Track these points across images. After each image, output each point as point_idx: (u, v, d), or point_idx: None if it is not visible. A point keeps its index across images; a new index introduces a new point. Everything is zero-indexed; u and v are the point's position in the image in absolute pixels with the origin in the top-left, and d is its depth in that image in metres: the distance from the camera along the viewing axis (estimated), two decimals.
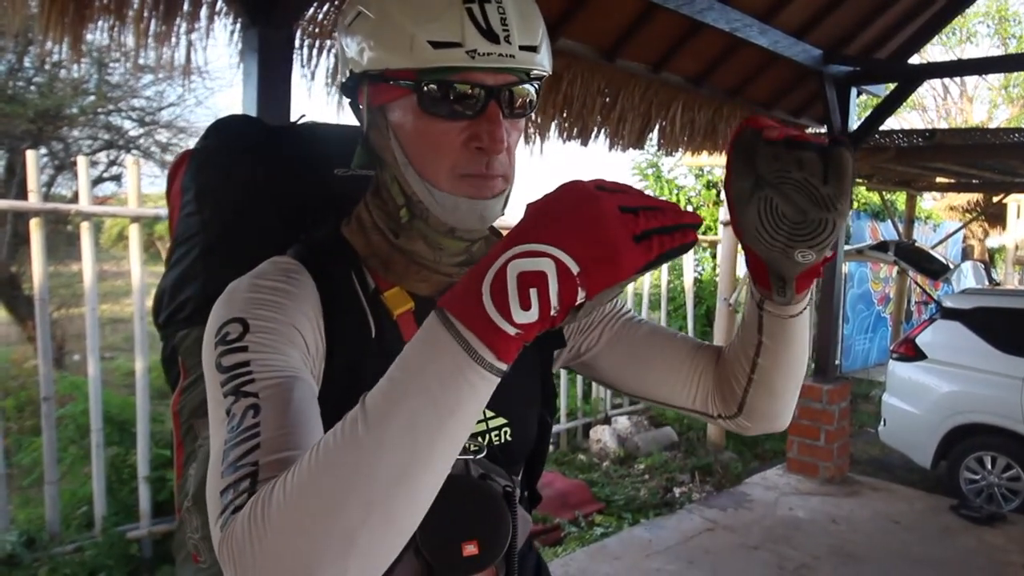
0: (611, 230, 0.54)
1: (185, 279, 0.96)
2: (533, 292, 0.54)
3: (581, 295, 0.55)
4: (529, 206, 0.58)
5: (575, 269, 0.54)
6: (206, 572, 0.90)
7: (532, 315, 0.54)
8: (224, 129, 1.03)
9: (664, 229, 0.56)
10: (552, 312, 0.54)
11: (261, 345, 0.71)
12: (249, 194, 0.97)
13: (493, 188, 0.78)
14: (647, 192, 0.62)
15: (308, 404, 0.69)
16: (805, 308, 0.82)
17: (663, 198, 0.59)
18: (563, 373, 4.66)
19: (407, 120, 0.77)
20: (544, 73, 0.79)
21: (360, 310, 0.82)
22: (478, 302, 0.55)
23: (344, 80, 0.84)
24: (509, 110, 0.77)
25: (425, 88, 0.74)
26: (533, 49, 0.76)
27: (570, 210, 0.56)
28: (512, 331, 0.54)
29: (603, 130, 4.27)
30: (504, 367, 0.56)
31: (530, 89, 0.78)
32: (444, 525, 0.62)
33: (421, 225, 0.82)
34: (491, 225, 0.85)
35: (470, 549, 0.78)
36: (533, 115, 3.80)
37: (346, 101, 0.86)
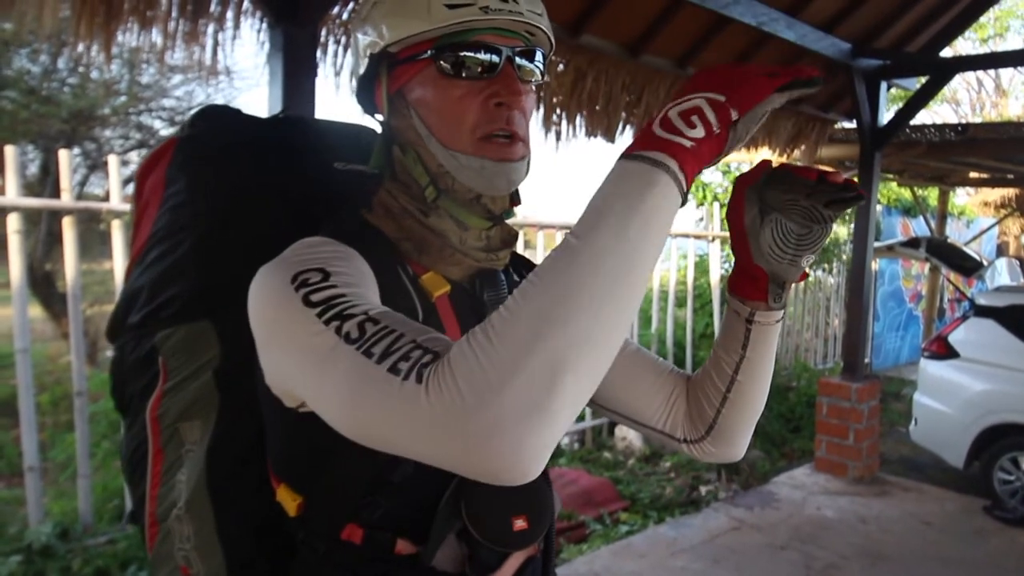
0: (741, 67, 0.69)
1: (171, 275, 0.92)
2: (694, 118, 0.65)
3: (734, 114, 0.66)
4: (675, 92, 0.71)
5: (722, 99, 0.66)
6: None
7: (699, 131, 0.65)
8: (209, 118, 1.01)
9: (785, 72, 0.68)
10: (714, 129, 0.65)
11: (349, 286, 0.71)
12: (246, 183, 0.95)
13: (515, 152, 0.82)
14: None
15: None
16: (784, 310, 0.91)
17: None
18: None
19: (427, 92, 0.82)
20: (548, 37, 0.85)
21: (406, 292, 0.82)
22: (653, 135, 0.65)
23: (362, 72, 0.85)
24: (521, 74, 0.83)
25: (443, 56, 0.80)
26: (539, 15, 0.83)
27: (706, 73, 0.70)
28: (687, 143, 0.64)
29: (628, 126, 4.24)
30: (682, 179, 0.64)
31: (535, 68, 0.85)
32: (494, 501, 0.65)
33: (446, 201, 0.84)
34: (505, 223, 0.87)
35: (520, 524, 0.80)
36: (558, 111, 3.82)
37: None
